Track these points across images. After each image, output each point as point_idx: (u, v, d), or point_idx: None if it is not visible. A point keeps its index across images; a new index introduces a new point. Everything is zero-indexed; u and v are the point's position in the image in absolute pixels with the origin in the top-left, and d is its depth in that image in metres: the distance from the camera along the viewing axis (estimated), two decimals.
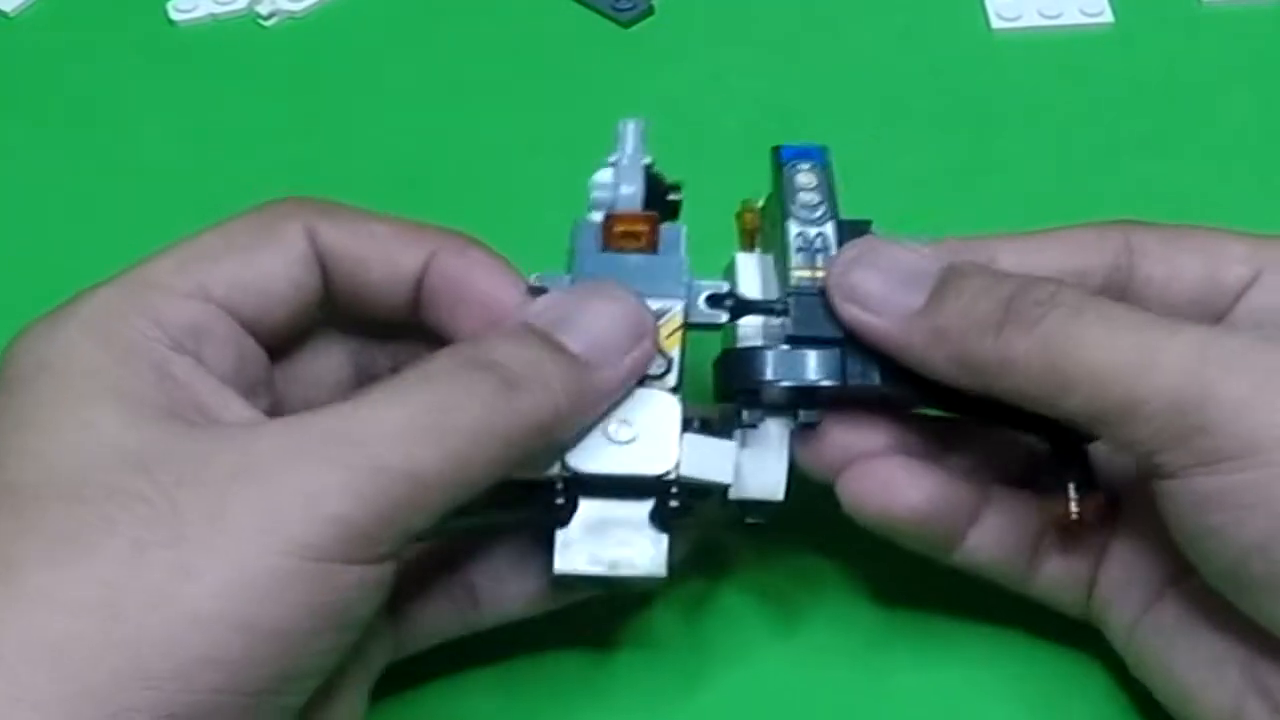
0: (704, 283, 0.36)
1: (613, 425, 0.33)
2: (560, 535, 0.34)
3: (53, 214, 0.52)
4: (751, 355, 0.35)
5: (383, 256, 0.35)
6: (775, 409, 0.35)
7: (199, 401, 0.31)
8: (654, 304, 0.34)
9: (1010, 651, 0.39)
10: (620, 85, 0.56)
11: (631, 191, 0.36)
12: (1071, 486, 0.34)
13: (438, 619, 0.36)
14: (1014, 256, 0.36)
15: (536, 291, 0.35)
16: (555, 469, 0.33)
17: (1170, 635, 0.34)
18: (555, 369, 0.32)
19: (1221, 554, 0.31)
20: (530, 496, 0.34)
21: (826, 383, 0.34)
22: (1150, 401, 0.31)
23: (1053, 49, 0.56)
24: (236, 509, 0.29)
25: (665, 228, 0.36)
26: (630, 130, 0.38)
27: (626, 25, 0.58)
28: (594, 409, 0.33)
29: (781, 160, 0.36)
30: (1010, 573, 0.37)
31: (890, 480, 0.35)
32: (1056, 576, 0.37)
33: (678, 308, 0.35)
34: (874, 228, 0.36)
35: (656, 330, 0.34)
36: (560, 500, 0.33)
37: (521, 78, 0.56)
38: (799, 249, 0.35)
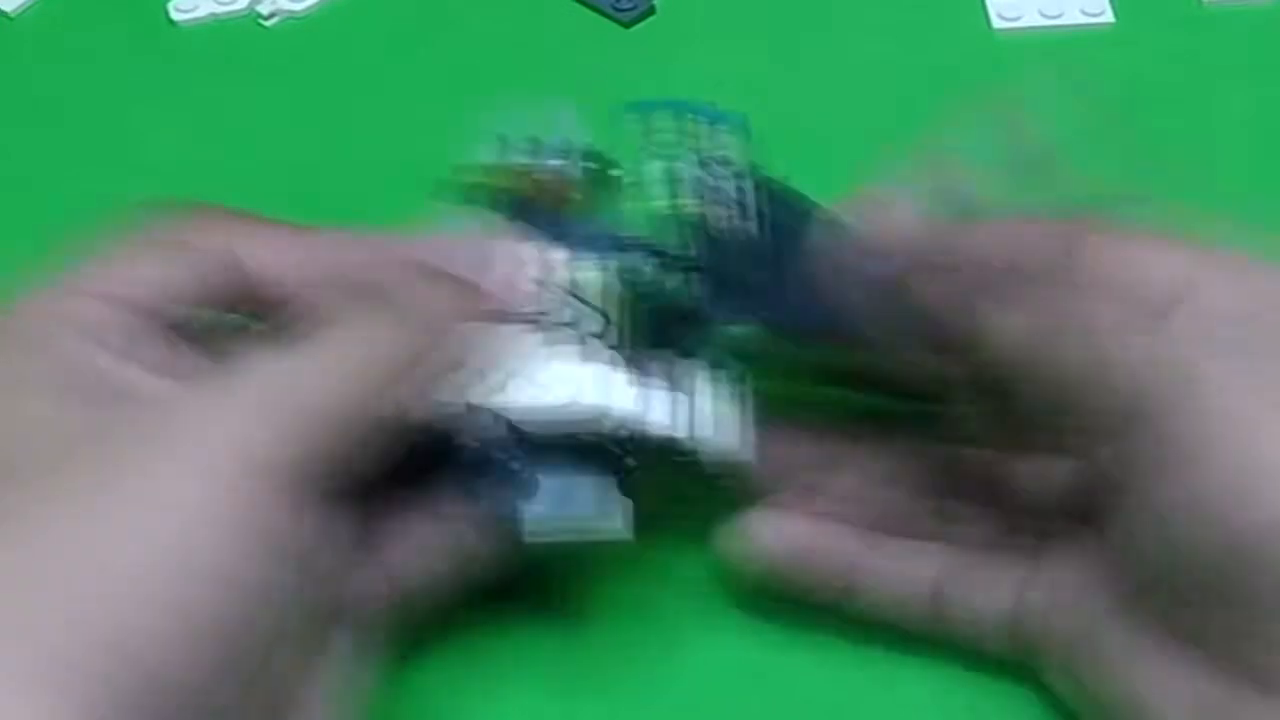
0: (626, 237, 0.37)
1: (540, 372, 0.34)
2: (524, 506, 0.35)
3: (52, 214, 0.52)
4: (677, 308, 0.36)
5: (292, 258, 0.36)
6: (704, 357, 0.36)
7: (121, 386, 0.32)
8: (563, 254, 0.36)
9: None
10: (620, 85, 0.56)
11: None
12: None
13: (430, 560, 0.36)
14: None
15: None
16: (490, 421, 0.34)
17: (1116, 663, 0.33)
18: (437, 293, 0.34)
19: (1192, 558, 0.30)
20: (489, 471, 0.34)
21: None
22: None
23: (1053, 49, 0.56)
24: (158, 464, 0.29)
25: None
26: (562, 116, 0.40)
27: (627, 25, 0.58)
28: (479, 325, 0.34)
29: (639, 110, 0.38)
30: (917, 616, 0.36)
31: (761, 526, 0.36)
32: (972, 613, 0.36)
33: (593, 258, 0.36)
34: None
35: (517, 255, 0.36)
36: (515, 465, 0.34)
37: (521, 78, 0.56)
38: (699, 194, 0.36)
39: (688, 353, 0.36)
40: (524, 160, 0.38)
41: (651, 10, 0.59)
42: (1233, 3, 0.57)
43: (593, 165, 0.38)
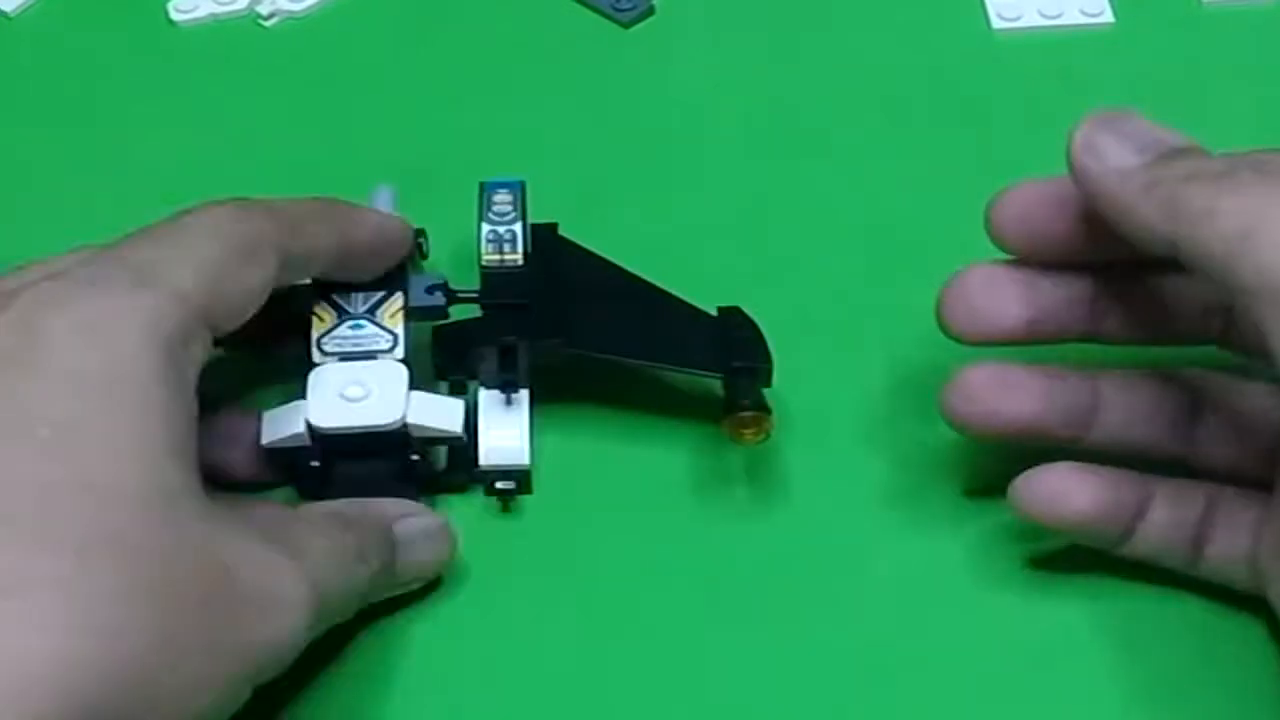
0: (423, 277, 0.43)
1: (349, 388, 0.40)
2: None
3: (52, 214, 0.52)
4: (460, 327, 0.43)
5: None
6: (492, 379, 0.42)
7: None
8: (381, 293, 0.42)
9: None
10: (620, 85, 0.56)
11: None
12: (745, 402, 0.41)
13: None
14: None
15: None
16: (302, 430, 0.40)
17: None
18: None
19: None
20: (293, 467, 0.41)
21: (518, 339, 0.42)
22: None
23: (1053, 49, 0.56)
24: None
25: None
26: (383, 195, 0.46)
27: (627, 25, 0.58)
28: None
29: (484, 188, 0.45)
30: (1177, 558, 0.39)
31: (1061, 487, 0.38)
32: (1221, 556, 0.38)
33: (399, 294, 0.42)
34: (560, 229, 0.45)
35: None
36: (315, 463, 0.40)
37: (522, 78, 0.56)
38: (490, 240, 0.43)
39: (471, 371, 0.43)
40: None
41: (651, 10, 0.59)
42: (1233, 3, 0.57)
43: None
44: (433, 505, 0.42)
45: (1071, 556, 0.40)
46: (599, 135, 0.54)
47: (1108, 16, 0.57)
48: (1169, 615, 0.39)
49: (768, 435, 0.41)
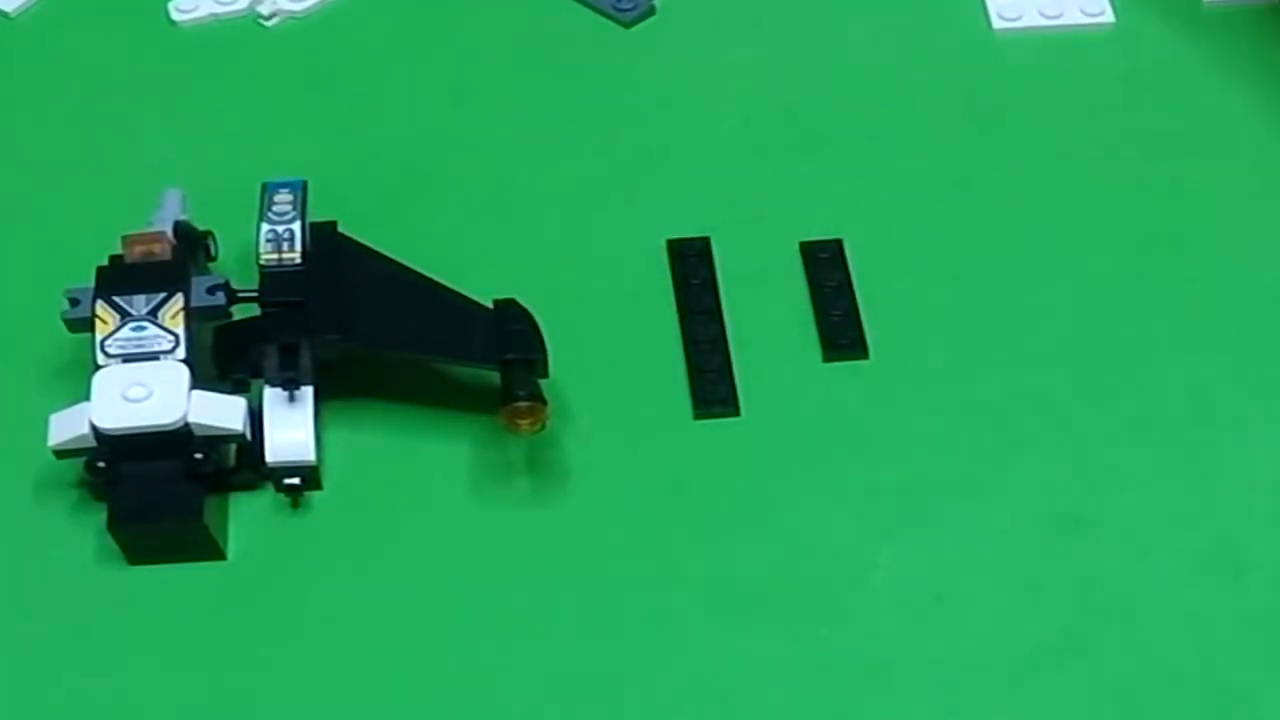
0: (205, 278, 0.44)
1: (131, 389, 0.40)
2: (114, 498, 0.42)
3: (53, 214, 0.52)
4: (240, 326, 0.44)
5: None
6: (275, 377, 0.43)
7: None
8: (162, 295, 0.42)
9: None
10: (621, 85, 0.56)
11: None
12: (520, 393, 0.42)
13: None
14: None
15: (74, 302, 0.42)
16: (88, 431, 0.40)
17: None
18: None
19: None
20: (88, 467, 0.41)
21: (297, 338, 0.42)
22: None
23: (1054, 49, 0.56)
24: None
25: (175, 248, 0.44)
26: (170, 198, 0.47)
27: (628, 25, 0.58)
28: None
29: (266, 188, 0.45)
30: None
31: None
32: None
33: (180, 295, 0.43)
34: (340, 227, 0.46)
35: None
36: (102, 463, 0.41)
37: (523, 78, 0.56)
38: (268, 240, 0.44)
39: (255, 369, 0.43)
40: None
41: (652, 10, 0.59)
42: (1233, 3, 0.57)
43: (185, 232, 0.45)
44: (224, 503, 0.43)
45: None
46: (600, 135, 0.54)
47: (1108, 16, 0.57)
48: None
49: (544, 425, 0.42)
